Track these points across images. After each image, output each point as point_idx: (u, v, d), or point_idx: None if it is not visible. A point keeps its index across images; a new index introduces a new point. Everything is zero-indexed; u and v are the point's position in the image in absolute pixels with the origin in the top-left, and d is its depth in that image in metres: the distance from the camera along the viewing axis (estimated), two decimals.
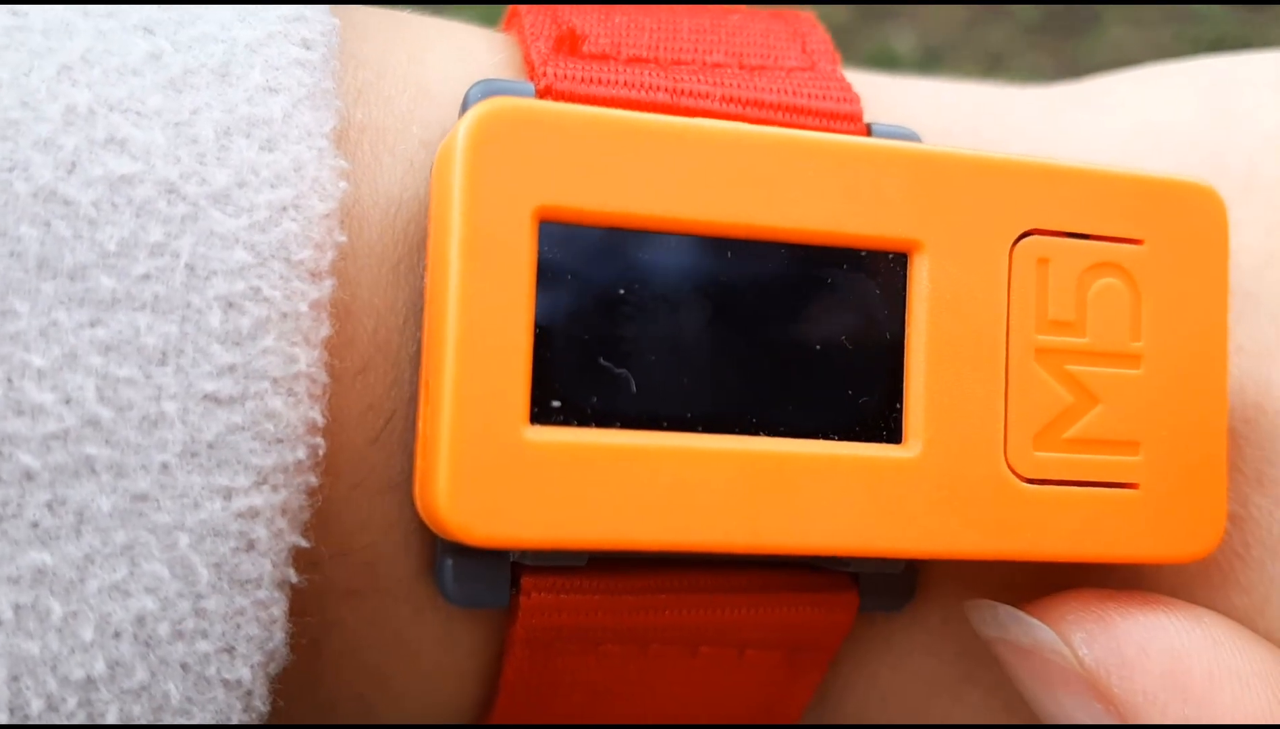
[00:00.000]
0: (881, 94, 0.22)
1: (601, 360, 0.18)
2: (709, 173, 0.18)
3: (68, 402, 0.16)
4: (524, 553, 0.19)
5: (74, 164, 0.16)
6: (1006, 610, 0.20)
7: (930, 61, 1.12)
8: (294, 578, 0.18)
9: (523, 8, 0.21)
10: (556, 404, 0.17)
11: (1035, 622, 0.19)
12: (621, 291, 0.18)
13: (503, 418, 0.17)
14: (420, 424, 0.18)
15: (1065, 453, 0.19)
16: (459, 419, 0.17)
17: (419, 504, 0.18)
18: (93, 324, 0.16)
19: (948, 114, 0.22)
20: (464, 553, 0.19)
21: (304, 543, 0.18)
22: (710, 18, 0.22)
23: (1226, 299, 0.20)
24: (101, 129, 0.17)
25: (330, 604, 0.19)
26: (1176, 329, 0.20)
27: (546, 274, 0.17)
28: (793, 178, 0.18)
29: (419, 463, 0.18)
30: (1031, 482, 0.19)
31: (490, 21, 0.23)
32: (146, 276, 0.16)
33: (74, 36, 0.17)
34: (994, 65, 1.12)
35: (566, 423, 0.17)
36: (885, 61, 1.09)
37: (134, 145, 0.17)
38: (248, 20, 0.18)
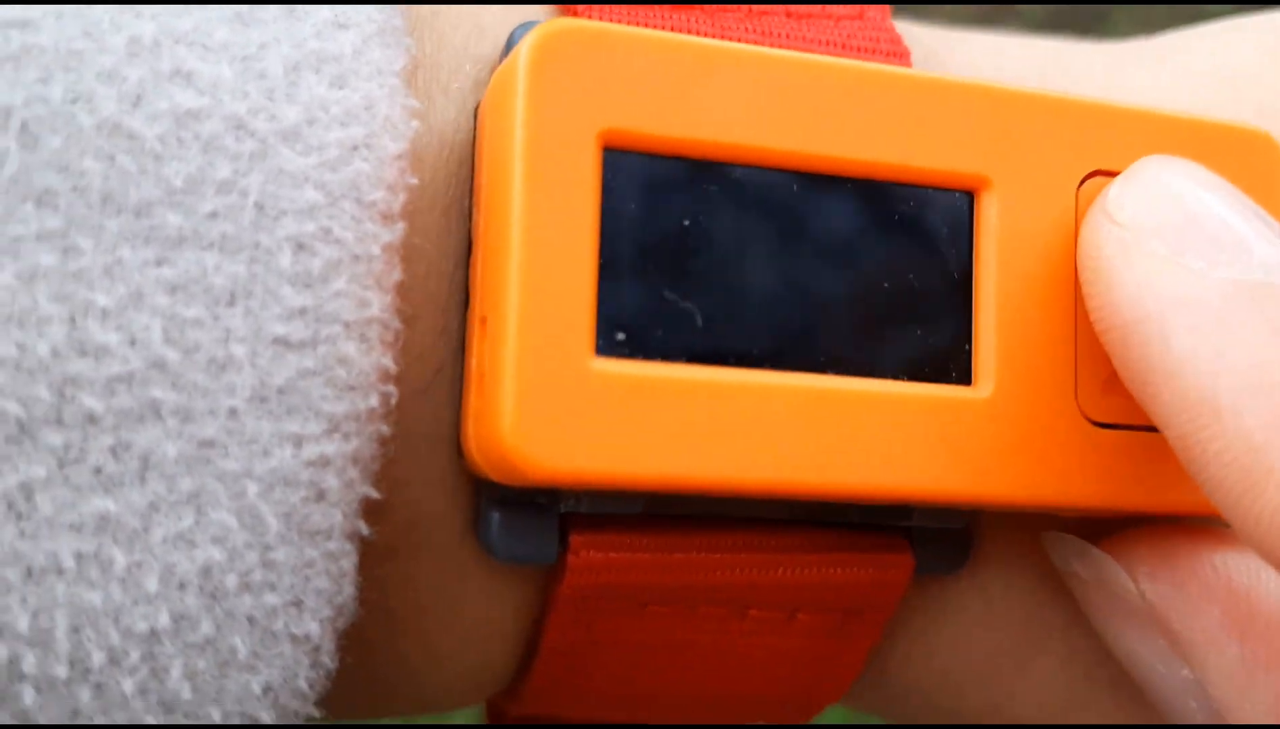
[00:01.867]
0: (942, 46, 0.22)
1: (667, 293, 0.17)
2: (776, 102, 0.18)
3: (133, 343, 0.15)
4: (578, 499, 0.18)
5: (139, 97, 0.16)
6: (1075, 543, 0.19)
7: None
8: (364, 530, 0.17)
9: None
10: (621, 337, 0.17)
11: (1101, 554, 0.19)
12: (687, 223, 0.17)
13: (567, 349, 0.17)
14: (472, 363, 0.18)
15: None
16: (524, 349, 0.16)
17: (473, 445, 0.17)
18: (159, 263, 0.16)
19: (1011, 67, 0.22)
20: (511, 505, 0.18)
21: (375, 494, 0.17)
22: None
23: None
24: (167, 61, 0.16)
25: (372, 561, 0.18)
26: None
27: (611, 203, 0.17)
28: (861, 110, 0.18)
29: (472, 403, 0.17)
30: (1102, 426, 0.19)
31: None
32: (214, 214, 0.16)
33: None
34: None
35: (631, 356, 0.17)
36: None
37: (200, 79, 0.16)
38: None
